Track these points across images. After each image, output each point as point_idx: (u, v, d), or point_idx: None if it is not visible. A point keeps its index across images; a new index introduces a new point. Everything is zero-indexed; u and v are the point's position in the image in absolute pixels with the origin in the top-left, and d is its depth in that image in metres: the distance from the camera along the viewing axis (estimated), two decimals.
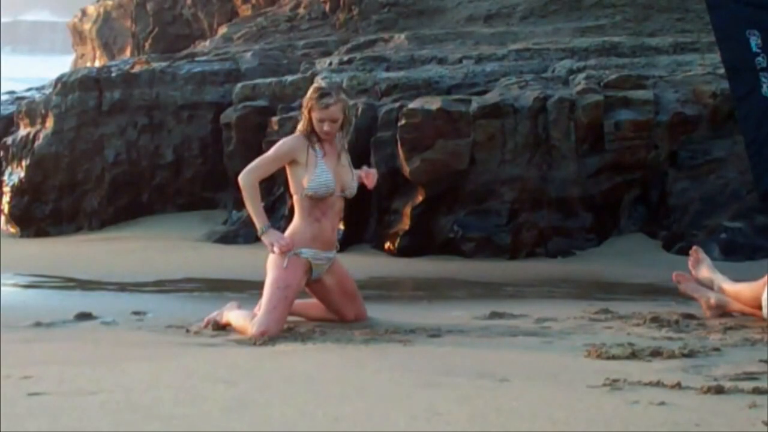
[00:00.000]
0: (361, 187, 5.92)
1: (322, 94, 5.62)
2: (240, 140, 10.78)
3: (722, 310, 5.68)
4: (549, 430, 3.35)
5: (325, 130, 5.59)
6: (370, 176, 5.90)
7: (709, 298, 5.72)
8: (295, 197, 5.68)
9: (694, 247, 6.06)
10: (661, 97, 9.51)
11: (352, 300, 5.80)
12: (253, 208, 5.62)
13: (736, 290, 5.61)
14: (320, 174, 5.57)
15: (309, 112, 5.62)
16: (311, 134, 5.62)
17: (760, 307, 5.39)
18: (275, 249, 5.51)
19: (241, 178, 5.66)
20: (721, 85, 9.06)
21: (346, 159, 5.76)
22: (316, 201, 5.59)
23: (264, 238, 5.58)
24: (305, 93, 5.92)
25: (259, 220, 5.59)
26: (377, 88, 10.32)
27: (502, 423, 3.44)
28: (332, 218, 5.67)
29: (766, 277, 5.37)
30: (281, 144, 5.70)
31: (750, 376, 4.10)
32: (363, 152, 9.29)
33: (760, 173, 4.98)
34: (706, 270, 5.83)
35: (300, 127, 5.68)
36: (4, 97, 14.20)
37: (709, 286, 5.80)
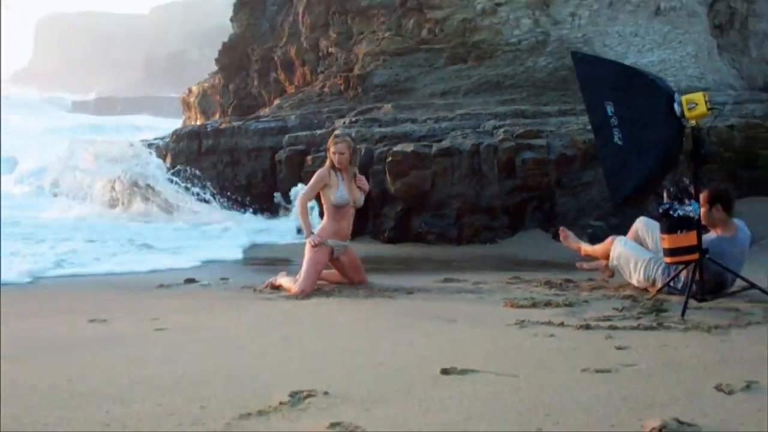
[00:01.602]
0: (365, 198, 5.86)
1: (335, 135, 5.76)
2: (287, 171, 10.76)
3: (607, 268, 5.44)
4: (482, 352, 3.35)
5: (336, 159, 5.56)
6: (362, 181, 5.72)
7: (603, 263, 5.46)
8: (325, 206, 5.64)
9: (561, 227, 5.95)
10: (551, 143, 9.50)
11: (358, 271, 5.77)
12: (303, 221, 5.60)
13: (593, 249, 5.58)
14: (342, 191, 5.56)
15: (329, 150, 5.63)
16: (333, 166, 5.62)
17: (608, 257, 5.32)
18: (312, 243, 5.49)
19: (297, 202, 5.69)
20: (589, 136, 9.05)
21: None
22: (338, 209, 5.58)
23: (307, 241, 5.53)
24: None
25: (306, 229, 5.56)
26: (373, 138, 10.31)
27: (452, 349, 3.44)
28: (348, 220, 5.65)
29: (609, 239, 5.35)
30: (317, 174, 5.65)
31: (607, 318, 4.12)
32: None
33: (612, 192, 4.99)
34: (572, 240, 5.79)
35: (327, 162, 5.67)
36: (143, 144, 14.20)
37: (576, 248, 5.72)
